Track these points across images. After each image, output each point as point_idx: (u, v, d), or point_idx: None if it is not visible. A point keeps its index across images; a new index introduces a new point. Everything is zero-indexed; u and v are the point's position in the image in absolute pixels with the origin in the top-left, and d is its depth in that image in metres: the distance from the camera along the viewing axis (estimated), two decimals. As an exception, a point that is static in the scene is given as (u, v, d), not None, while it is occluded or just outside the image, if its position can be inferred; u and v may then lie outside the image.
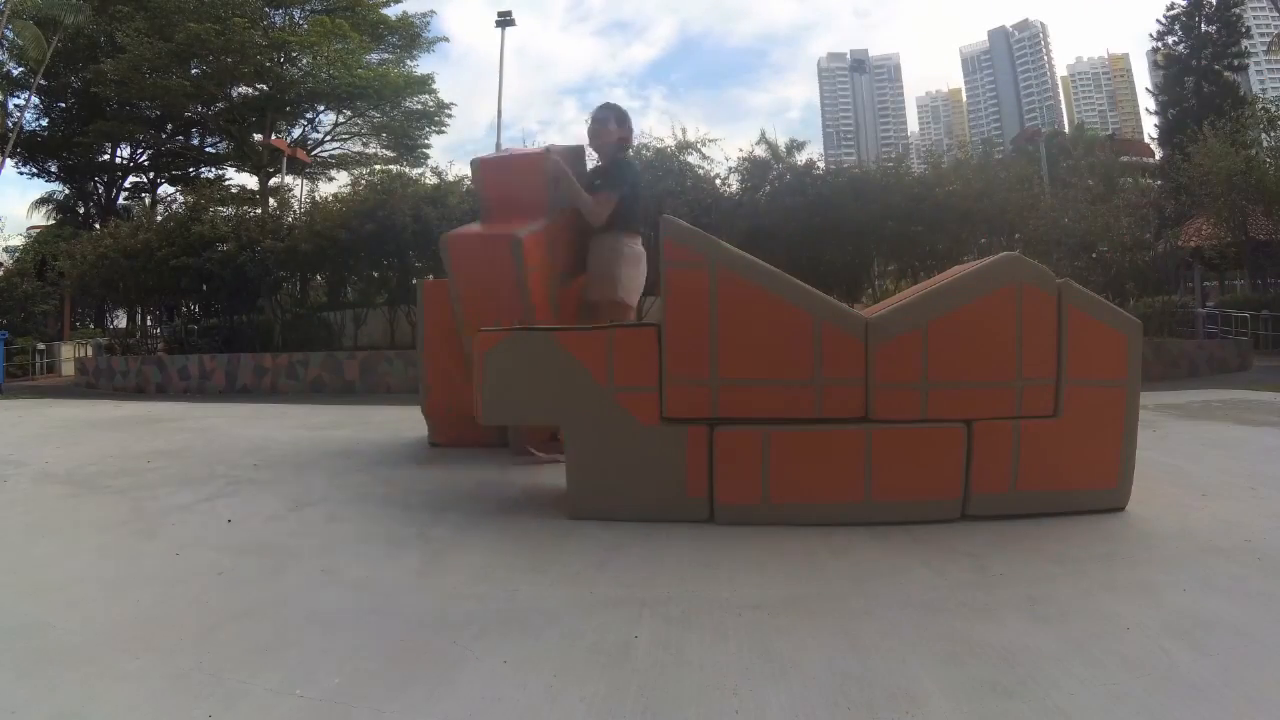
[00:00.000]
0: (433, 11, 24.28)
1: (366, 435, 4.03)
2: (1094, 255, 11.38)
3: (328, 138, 24.67)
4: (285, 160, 22.01)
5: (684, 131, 10.60)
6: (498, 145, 20.42)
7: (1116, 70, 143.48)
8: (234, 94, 21.69)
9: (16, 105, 22.03)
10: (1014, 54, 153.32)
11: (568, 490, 2.24)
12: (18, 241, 24.68)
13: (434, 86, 23.37)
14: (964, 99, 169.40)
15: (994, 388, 2.11)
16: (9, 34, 19.72)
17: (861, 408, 2.10)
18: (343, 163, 24.84)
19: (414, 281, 8.81)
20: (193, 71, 20.54)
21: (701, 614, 1.48)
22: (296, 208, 14.39)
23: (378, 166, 21.21)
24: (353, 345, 10.71)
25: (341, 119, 23.85)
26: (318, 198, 13.54)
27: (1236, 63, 26.84)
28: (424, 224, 9.29)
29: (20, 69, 21.39)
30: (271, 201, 18.70)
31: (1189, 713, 1.09)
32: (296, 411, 5.58)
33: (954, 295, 2.14)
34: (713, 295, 2.11)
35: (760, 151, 10.89)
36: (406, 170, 16.43)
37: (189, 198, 16.61)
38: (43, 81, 20.92)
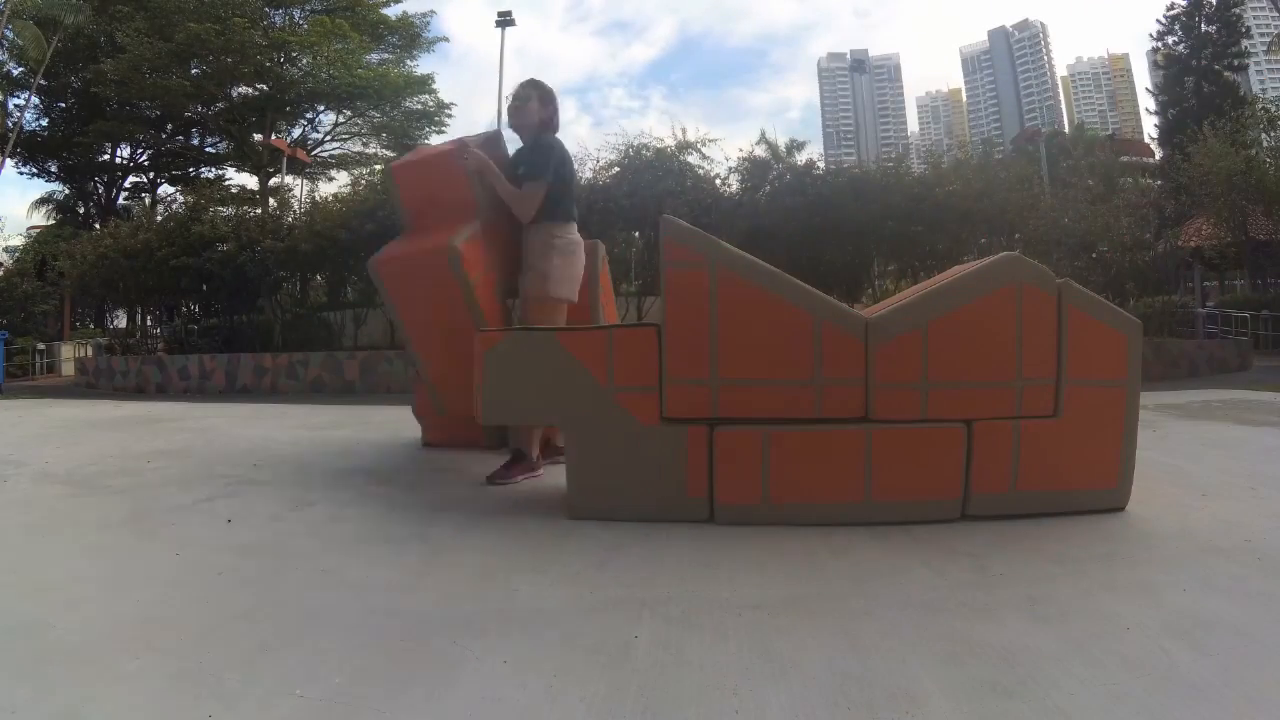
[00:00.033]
0: (433, 11, 24.32)
1: (366, 435, 4.03)
2: (1094, 255, 11.38)
3: (328, 138, 24.67)
4: (285, 160, 22.00)
5: (684, 131, 10.62)
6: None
7: (1116, 70, 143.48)
8: (234, 94, 21.68)
9: (16, 105, 22.05)
10: (1014, 54, 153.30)
11: (568, 490, 2.24)
12: (18, 241, 24.73)
13: (434, 86, 23.39)
14: (964, 99, 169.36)
15: (994, 388, 2.11)
16: (9, 34, 19.72)
17: (861, 408, 2.10)
18: (343, 163, 24.83)
19: None
20: (193, 71, 20.54)
21: (701, 614, 1.48)
22: (296, 208, 14.40)
23: (378, 166, 21.18)
24: (353, 345, 10.70)
25: (341, 119, 23.84)
26: (318, 198, 13.58)
27: (1236, 63, 26.83)
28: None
29: (20, 69, 21.39)
30: (271, 201, 18.69)
31: (1189, 713, 1.09)
32: (296, 411, 5.57)
33: (954, 295, 2.14)
34: (713, 295, 2.11)
35: (760, 151, 10.92)
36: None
37: (189, 198, 16.63)
38: (43, 81, 20.92)
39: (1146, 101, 37.97)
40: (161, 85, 20.05)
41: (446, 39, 27.16)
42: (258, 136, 22.59)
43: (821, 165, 11.24)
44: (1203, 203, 17.34)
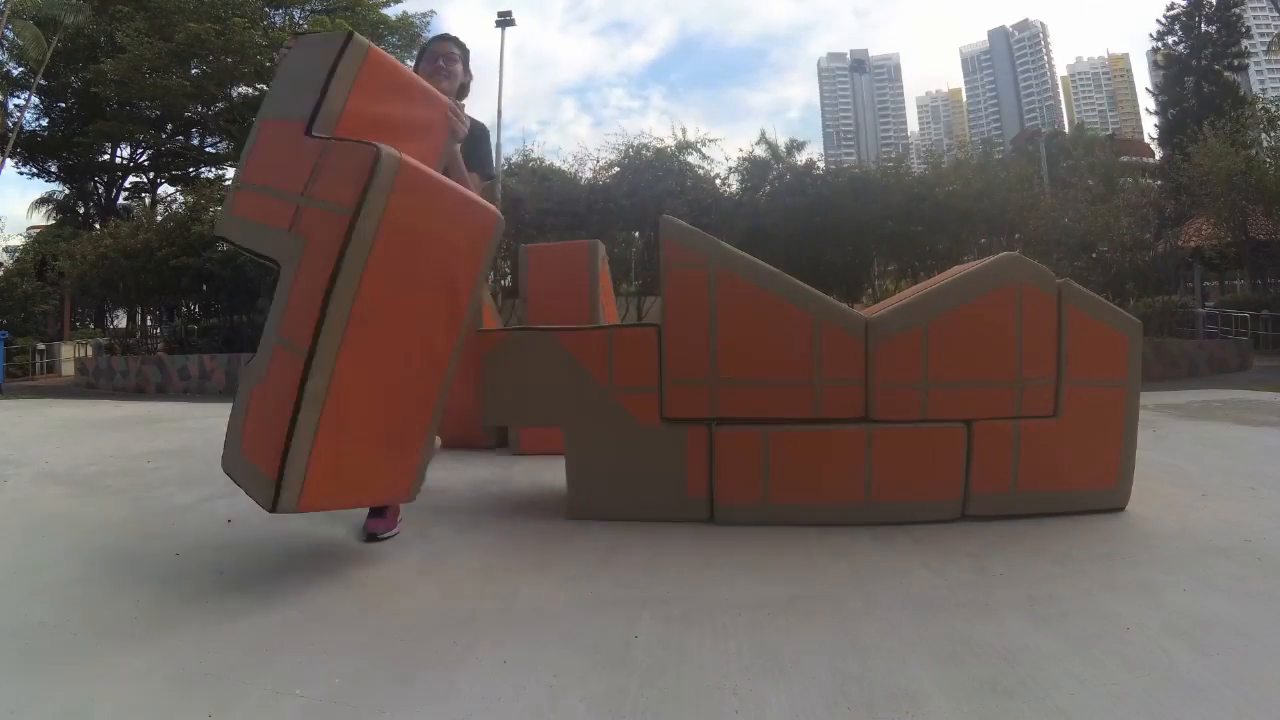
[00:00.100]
0: (433, 12, 24.28)
1: (366, 435, 4.02)
2: (1094, 255, 11.39)
3: (328, 138, 24.66)
4: (285, 160, 21.97)
5: (684, 131, 10.67)
6: (498, 145, 20.38)
7: (1116, 70, 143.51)
8: (234, 94, 21.65)
9: (16, 105, 22.02)
10: (1014, 54, 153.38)
11: (568, 490, 2.24)
12: (18, 241, 24.69)
13: (434, 86, 23.36)
14: (964, 99, 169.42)
15: (994, 388, 2.11)
16: (9, 34, 19.72)
17: (861, 408, 2.10)
18: (343, 163, 24.81)
19: None
20: (193, 71, 20.52)
21: (701, 614, 1.48)
22: (297, 208, 14.36)
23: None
24: (353, 345, 10.68)
25: (341, 119, 23.83)
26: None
27: (1236, 63, 26.80)
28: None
29: (20, 69, 21.38)
30: (271, 201, 18.64)
31: (1189, 713, 1.09)
32: (296, 411, 5.56)
33: (954, 295, 2.14)
34: (712, 295, 2.11)
35: (760, 151, 10.95)
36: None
37: (189, 198, 16.59)
38: (43, 81, 20.91)
39: (1146, 101, 38.04)
40: (161, 85, 20.04)
41: (446, 39, 27.14)
42: (258, 136, 22.55)
43: (821, 165, 11.29)
44: (1203, 203, 17.32)
